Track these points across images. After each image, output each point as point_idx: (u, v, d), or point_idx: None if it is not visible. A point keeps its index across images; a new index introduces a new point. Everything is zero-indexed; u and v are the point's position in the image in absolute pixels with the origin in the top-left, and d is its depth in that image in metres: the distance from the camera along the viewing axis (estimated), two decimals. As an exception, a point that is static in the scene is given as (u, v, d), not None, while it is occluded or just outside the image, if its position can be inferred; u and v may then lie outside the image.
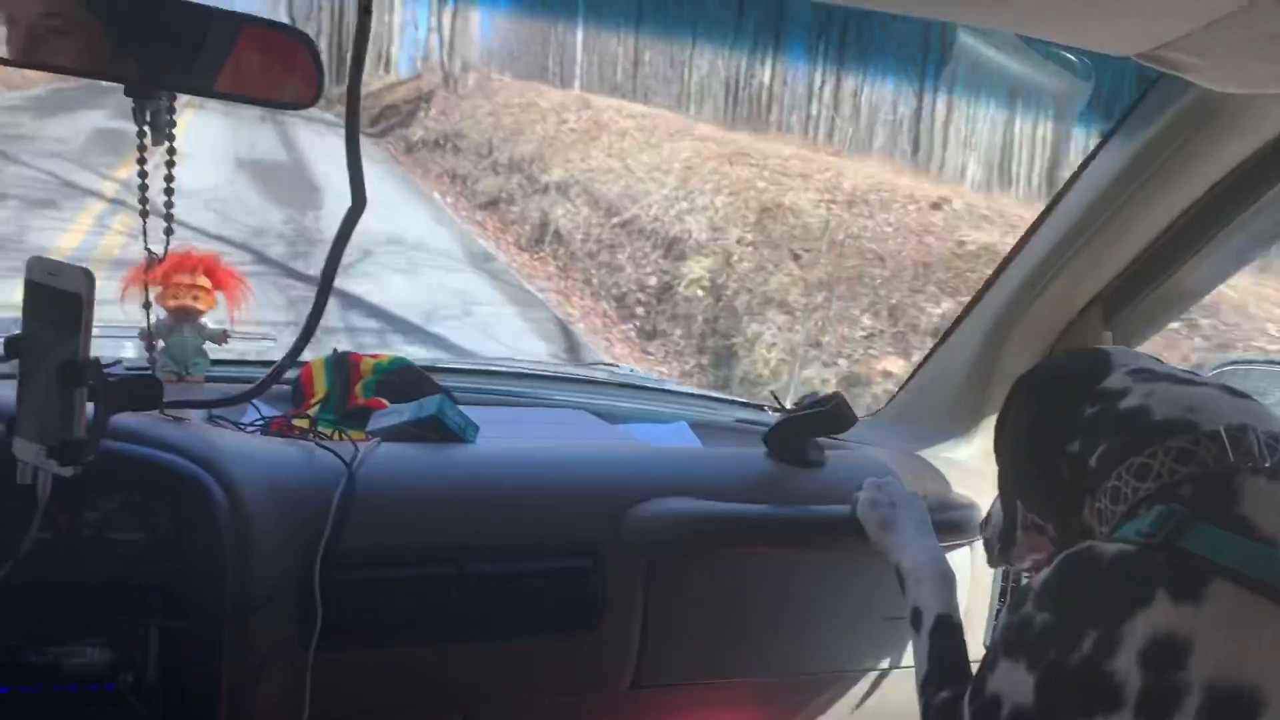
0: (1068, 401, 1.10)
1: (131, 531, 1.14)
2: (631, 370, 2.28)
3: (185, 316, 1.65)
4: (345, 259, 1.09)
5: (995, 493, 1.50)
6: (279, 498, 1.20)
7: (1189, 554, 0.90)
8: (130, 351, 1.68)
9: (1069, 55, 1.83)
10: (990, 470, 1.69)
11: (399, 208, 11.84)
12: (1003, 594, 1.56)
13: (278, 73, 1.11)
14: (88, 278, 0.99)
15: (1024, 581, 1.54)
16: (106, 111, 14.29)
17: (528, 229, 11.64)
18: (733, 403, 2.14)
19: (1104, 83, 1.50)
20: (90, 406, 1.02)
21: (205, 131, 13.55)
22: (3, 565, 1.02)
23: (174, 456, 1.15)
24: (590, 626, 1.32)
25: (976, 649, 1.34)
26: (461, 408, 1.52)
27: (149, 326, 1.38)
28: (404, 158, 17.06)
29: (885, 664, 1.54)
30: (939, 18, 1.13)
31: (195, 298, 1.65)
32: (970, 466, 1.67)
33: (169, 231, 1.16)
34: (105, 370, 1.04)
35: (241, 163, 12.78)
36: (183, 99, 1.15)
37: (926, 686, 1.13)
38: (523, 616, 1.30)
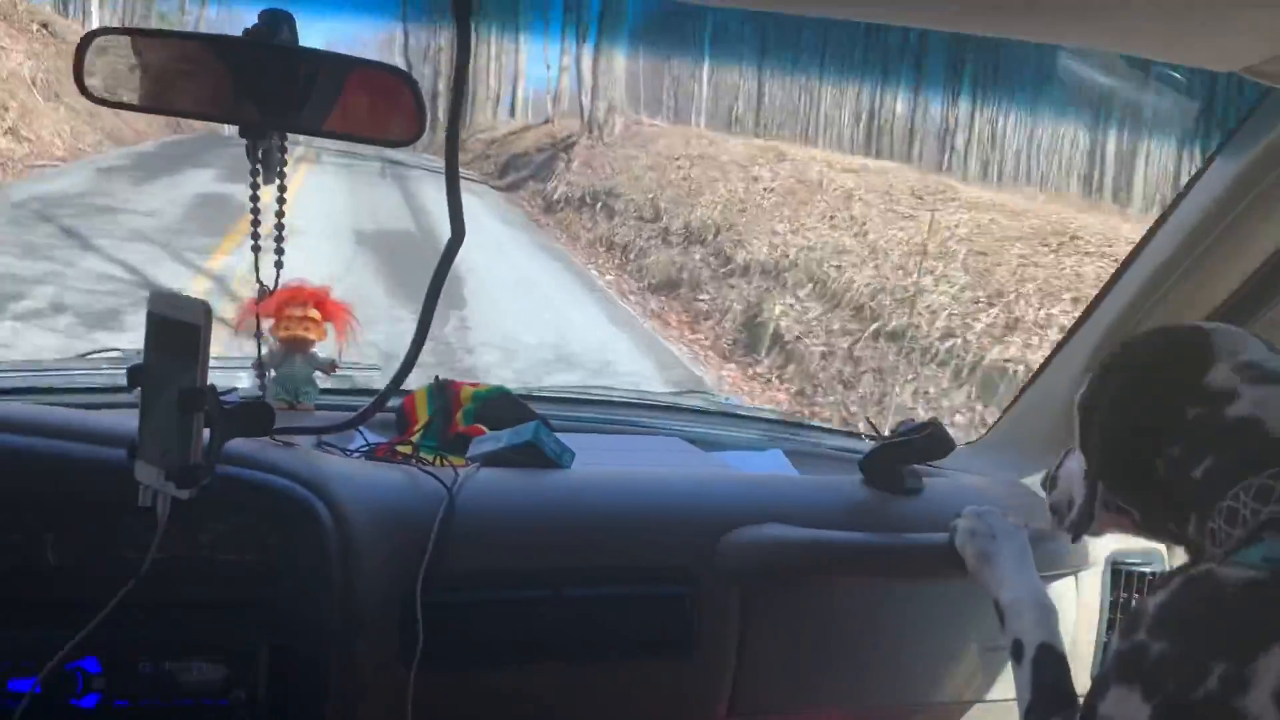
0: (1166, 397, 1.02)
1: (243, 553, 1.19)
2: (726, 398, 2.28)
3: (296, 347, 1.72)
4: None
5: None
6: (383, 521, 1.23)
7: None
8: (245, 381, 1.76)
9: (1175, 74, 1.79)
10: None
11: (552, 291, 9.55)
12: (1110, 625, 1.51)
13: (383, 111, 1.16)
14: (206, 310, 1.04)
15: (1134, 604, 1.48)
16: (215, 172, 12.97)
17: (729, 327, 8.31)
18: (828, 430, 2.12)
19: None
20: (206, 432, 1.07)
21: (319, 193, 11.64)
22: (125, 584, 1.08)
23: (284, 480, 1.19)
24: (686, 653, 1.32)
25: (1084, 685, 1.30)
26: (557, 434, 1.54)
27: (260, 355, 1.43)
28: (544, 218, 14.31)
29: (987, 696, 1.50)
30: (1048, 40, 1.12)
31: (306, 329, 1.72)
32: (1075, 495, 1.62)
33: (279, 265, 1.21)
34: (220, 397, 1.09)
35: (363, 238, 10.14)
36: (293, 156, 1.20)
37: (1030, 716, 1.10)
38: (618, 641, 1.31)
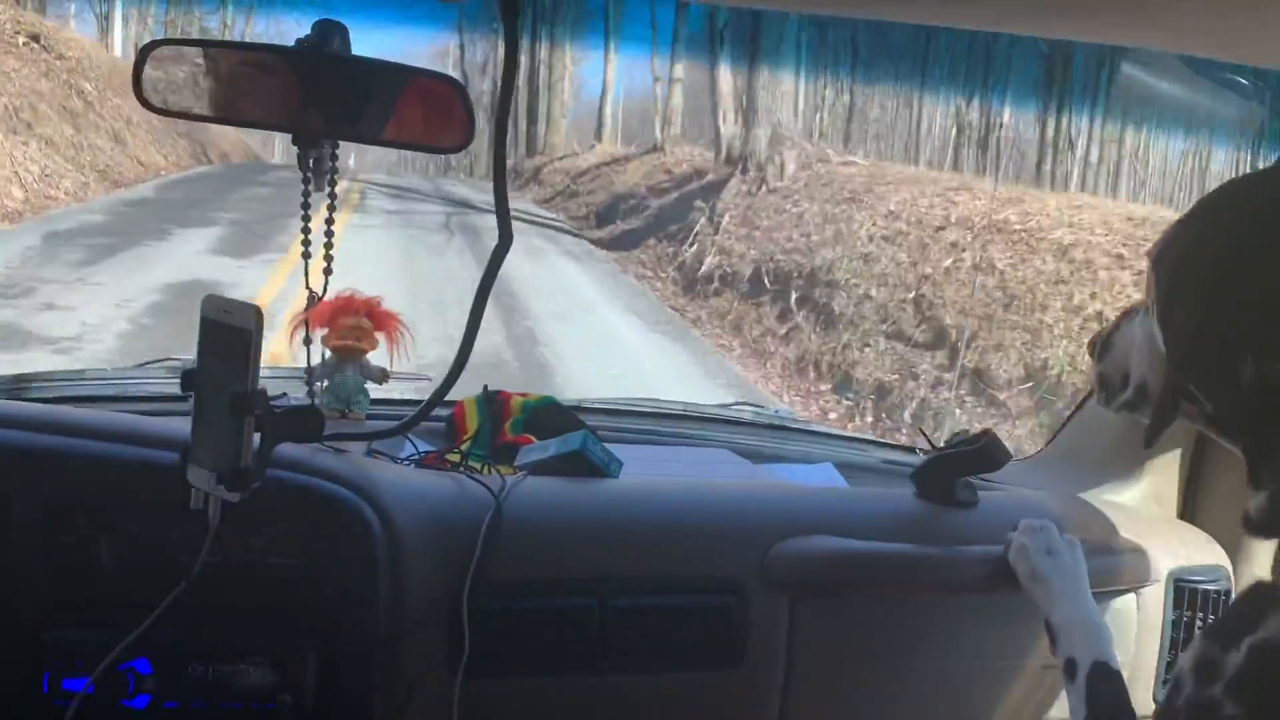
0: None
1: (292, 557, 1.20)
2: (776, 411, 2.26)
3: (348, 356, 1.73)
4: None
5: (1163, 530, 1.40)
6: (431, 527, 1.23)
7: None
8: (301, 391, 1.78)
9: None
10: (1157, 513, 1.61)
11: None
12: (1173, 645, 1.47)
13: (435, 119, 1.17)
14: (257, 314, 1.05)
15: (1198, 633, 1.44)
16: (216, 234, 9.85)
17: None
18: (881, 444, 2.09)
19: None
20: (258, 437, 1.08)
21: (360, 270, 4.18)
22: (177, 586, 1.09)
23: (335, 486, 1.20)
24: (733, 665, 1.31)
25: (1142, 704, 1.26)
26: (605, 445, 1.54)
27: (309, 362, 1.45)
28: (689, 305, 9.21)
29: (1045, 717, 1.46)
30: (1103, 40, 1.10)
31: (358, 338, 1.73)
32: (1136, 510, 1.58)
33: (328, 272, 1.22)
34: (271, 402, 1.10)
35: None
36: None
37: None
38: (665, 652, 1.29)
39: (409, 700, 1.18)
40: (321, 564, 1.20)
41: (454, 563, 1.22)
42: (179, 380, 1.12)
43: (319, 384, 1.75)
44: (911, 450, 1.88)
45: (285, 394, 1.47)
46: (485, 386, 1.69)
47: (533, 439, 1.60)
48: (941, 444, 1.48)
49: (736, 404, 2.24)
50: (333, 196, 1.21)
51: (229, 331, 1.07)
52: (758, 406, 2.25)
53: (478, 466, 1.50)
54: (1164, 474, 1.61)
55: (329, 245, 1.21)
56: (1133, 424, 1.68)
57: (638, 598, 1.29)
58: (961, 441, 1.40)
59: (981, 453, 1.37)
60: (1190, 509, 1.62)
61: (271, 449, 1.10)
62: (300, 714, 1.17)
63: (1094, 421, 1.77)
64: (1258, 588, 0.90)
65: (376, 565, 1.17)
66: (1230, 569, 1.53)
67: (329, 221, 1.20)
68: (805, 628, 1.33)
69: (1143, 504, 1.59)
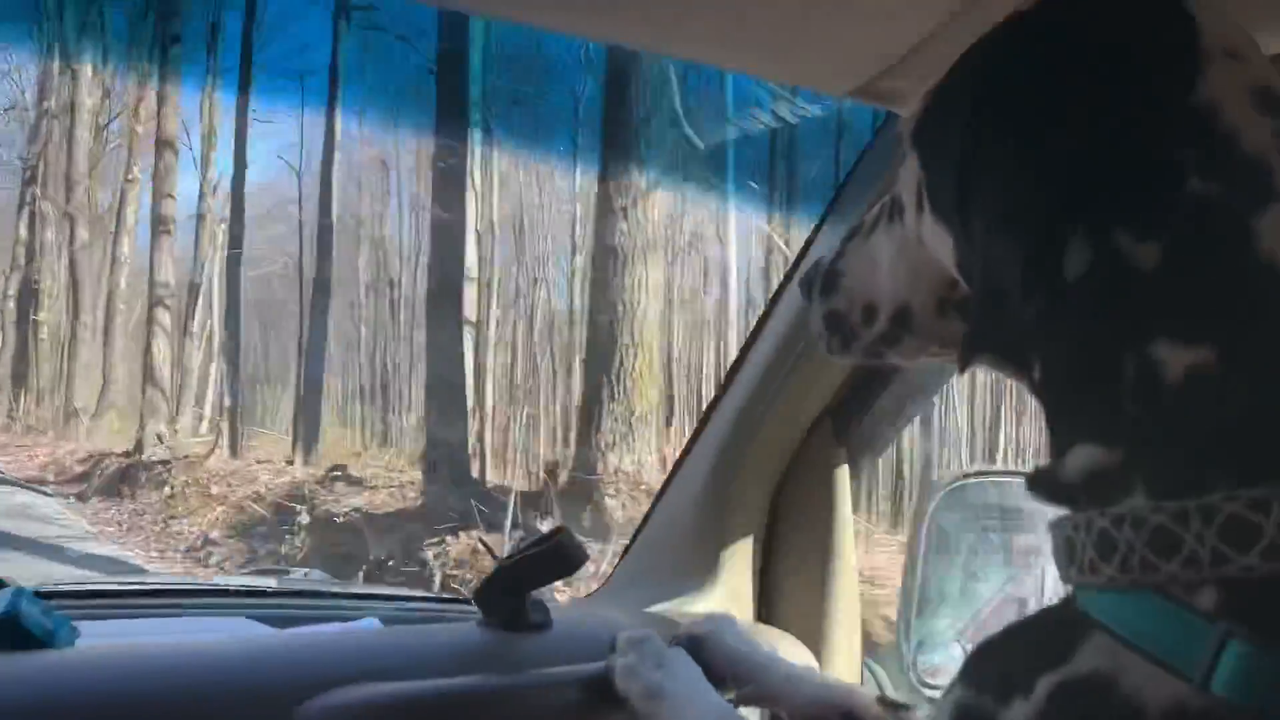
0: (1100, 113, 0.59)
1: None
2: (306, 573, 1.90)
3: None
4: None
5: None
6: None
7: None
8: None
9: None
10: (740, 618, 1.47)
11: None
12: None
13: None
14: None
15: None
16: None
17: None
18: (432, 598, 1.81)
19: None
20: None
21: None
22: None
23: None
24: None
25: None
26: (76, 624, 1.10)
27: None
28: None
29: None
30: (656, 51, 1.02)
31: None
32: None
33: None
34: None
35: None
36: None
37: None
38: None
39: None
40: None
41: None
42: None
43: None
44: (468, 601, 1.63)
45: None
46: None
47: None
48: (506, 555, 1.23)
49: (258, 571, 1.85)
50: None
51: None
52: (283, 571, 1.87)
53: None
54: (739, 573, 1.50)
55: None
56: (697, 536, 1.58)
57: None
58: (529, 544, 1.17)
59: (553, 554, 1.14)
60: (766, 608, 1.52)
61: None
62: None
63: (656, 540, 1.64)
64: (1048, 612, 0.63)
65: None
66: (818, 667, 1.42)
67: None
68: None
69: (724, 609, 1.45)
